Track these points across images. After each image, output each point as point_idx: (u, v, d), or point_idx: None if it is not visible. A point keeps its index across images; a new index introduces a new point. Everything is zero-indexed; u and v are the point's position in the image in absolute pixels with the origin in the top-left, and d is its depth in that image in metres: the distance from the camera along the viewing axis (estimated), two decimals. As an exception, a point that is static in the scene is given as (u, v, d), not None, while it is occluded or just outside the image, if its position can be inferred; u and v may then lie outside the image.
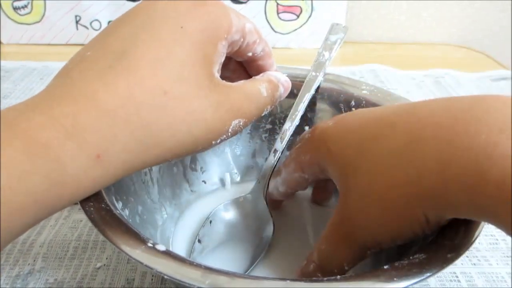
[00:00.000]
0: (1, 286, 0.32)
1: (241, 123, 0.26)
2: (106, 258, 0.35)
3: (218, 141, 0.25)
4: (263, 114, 0.28)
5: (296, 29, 0.72)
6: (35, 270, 0.34)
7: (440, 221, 0.22)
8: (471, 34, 0.76)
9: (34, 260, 0.34)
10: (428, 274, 0.21)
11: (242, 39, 0.27)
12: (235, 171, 0.41)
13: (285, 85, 0.29)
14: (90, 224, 0.38)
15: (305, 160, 0.29)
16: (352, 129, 0.26)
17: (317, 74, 0.35)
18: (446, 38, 0.77)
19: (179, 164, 0.38)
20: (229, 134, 0.25)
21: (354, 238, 0.24)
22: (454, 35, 0.76)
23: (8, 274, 0.33)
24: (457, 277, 0.33)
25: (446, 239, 0.23)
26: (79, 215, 0.39)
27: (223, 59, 0.26)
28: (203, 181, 0.39)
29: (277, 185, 0.32)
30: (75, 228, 0.38)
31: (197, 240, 0.33)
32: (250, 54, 0.28)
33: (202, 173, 0.39)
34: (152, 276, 0.33)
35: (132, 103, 0.22)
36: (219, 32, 0.25)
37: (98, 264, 0.34)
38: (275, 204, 0.35)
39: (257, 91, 0.27)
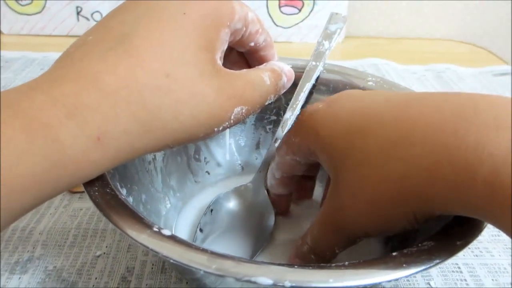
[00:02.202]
0: (0, 273, 0.32)
1: (243, 111, 0.25)
2: (106, 247, 0.35)
3: (220, 128, 0.25)
4: (266, 103, 0.27)
5: (297, 23, 0.72)
6: (35, 257, 0.33)
7: (429, 217, 0.22)
8: (472, 29, 0.76)
9: (34, 248, 0.34)
10: (437, 261, 0.21)
11: (244, 28, 0.27)
12: (239, 162, 0.40)
13: (288, 75, 0.29)
14: (90, 212, 0.38)
15: (295, 142, 0.28)
16: (342, 117, 0.25)
17: (317, 63, 0.35)
18: (447, 34, 0.76)
19: (183, 154, 0.38)
20: (232, 121, 0.25)
21: (344, 228, 0.25)
22: (455, 30, 0.76)
23: (7, 261, 0.33)
24: (459, 268, 0.33)
25: (455, 226, 0.23)
26: (79, 204, 0.39)
27: (225, 47, 0.26)
28: (206, 171, 0.39)
29: (273, 172, 0.32)
30: (75, 217, 0.37)
31: (198, 229, 0.33)
32: (252, 44, 0.28)
33: (206, 163, 0.39)
34: (152, 264, 0.33)
35: (134, 84, 0.22)
36: (222, 19, 0.25)
37: (98, 252, 0.34)
38: (281, 206, 0.34)
39: (260, 79, 0.27)
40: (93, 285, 0.31)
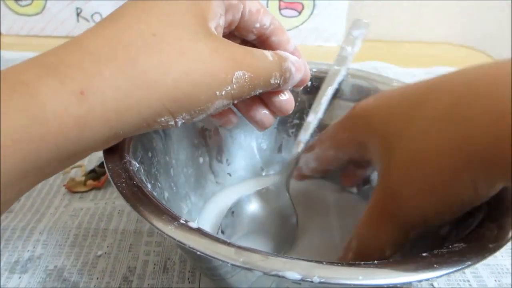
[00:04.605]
0: (0, 272, 0.32)
1: (246, 76, 0.23)
2: (107, 246, 0.34)
3: (223, 93, 0.23)
4: (272, 81, 0.25)
5: (297, 26, 0.72)
6: (35, 257, 0.33)
7: (489, 191, 0.21)
8: (471, 33, 0.76)
9: (34, 247, 0.34)
10: (469, 263, 0.20)
11: (241, 5, 0.26)
12: (261, 165, 0.40)
13: (296, 65, 0.27)
14: (90, 212, 0.38)
15: (343, 138, 0.28)
16: (395, 101, 0.25)
17: (340, 68, 0.35)
18: (447, 37, 0.77)
19: (206, 155, 0.38)
20: (234, 86, 0.23)
21: (398, 215, 0.23)
22: (455, 34, 0.76)
23: (7, 260, 0.33)
24: (462, 268, 0.33)
25: (487, 229, 0.22)
26: (80, 204, 0.39)
27: (222, 21, 0.25)
28: (228, 173, 0.39)
29: (308, 161, 0.31)
30: (75, 216, 0.37)
31: (220, 231, 0.32)
32: (257, 25, 0.27)
33: (228, 165, 0.39)
34: (154, 264, 0.33)
35: (118, 42, 0.21)
36: None
37: (99, 252, 0.34)
38: (301, 177, 0.34)
39: (261, 52, 0.25)
40: (95, 285, 0.31)
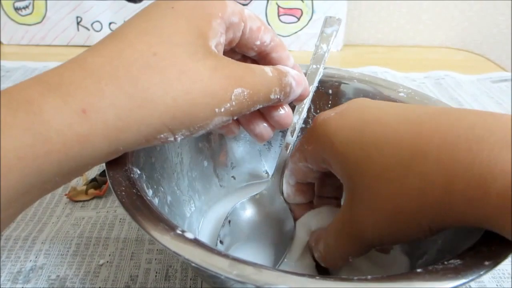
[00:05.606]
0: (3, 282, 0.32)
1: (245, 93, 0.24)
2: (109, 255, 0.35)
3: (222, 110, 0.23)
4: (272, 97, 0.26)
5: (296, 32, 0.72)
6: (37, 267, 0.33)
7: (443, 229, 0.22)
8: (470, 36, 0.76)
9: (36, 257, 0.34)
10: (464, 281, 0.20)
11: (243, 24, 0.27)
12: (265, 168, 0.40)
13: (296, 78, 0.28)
14: (92, 221, 0.38)
15: (308, 149, 0.28)
16: (355, 127, 0.25)
17: (318, 66, 0.35)
18: (446, 41, 0.77)
19: (210, 158, 0.38)
20: (234, 103, 0.24)
21: (360, 238, 0.25)
22: (454, 38, 0.77)
23: (10, 270, 0.33)
24: (463, 273, 0.33)
25: (484, 246, 0.22)
26: (81, 213, 0.39)
27: (222, 40, 0.26)
28: (232, 176, 0.39)
29: (287, 179, 0.32)
30: (77, 225, 0.37)
31: (218, 241, 0.33)
32: (258, 42, 0.28)
33: (232, 168, 0.39)
34: (156, 272, 0.33)
35: (119, 61, 0.22)
36: (212, 10, 0.25)
37: (101, 261, 0.34)
38: (301, 216, 0.34)
39: (260, 69, 0.26)
40: (97, 294, 0.31)
